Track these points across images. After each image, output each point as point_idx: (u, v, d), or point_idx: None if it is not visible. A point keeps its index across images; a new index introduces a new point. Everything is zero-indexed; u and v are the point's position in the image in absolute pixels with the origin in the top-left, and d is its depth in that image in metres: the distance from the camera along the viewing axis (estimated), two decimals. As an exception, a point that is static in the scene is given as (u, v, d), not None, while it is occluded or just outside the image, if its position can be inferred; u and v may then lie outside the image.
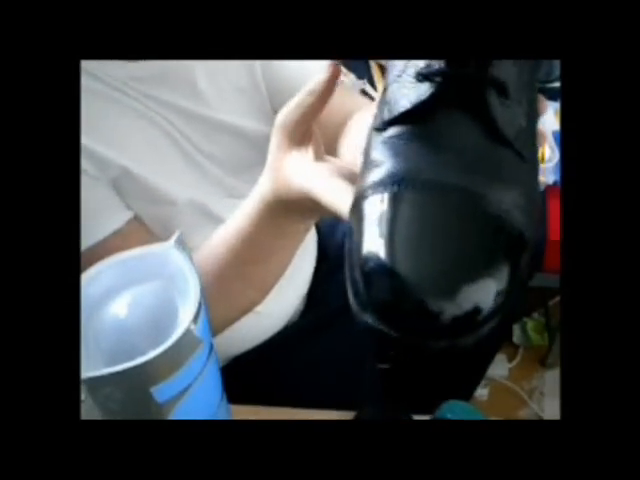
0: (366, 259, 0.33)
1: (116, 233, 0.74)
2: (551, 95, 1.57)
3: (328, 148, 0.57)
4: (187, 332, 0.45)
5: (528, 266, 0.35)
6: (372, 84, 1.52)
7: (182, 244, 0.52)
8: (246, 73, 0.79)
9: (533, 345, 1.71)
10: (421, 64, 0.35)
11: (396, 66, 0.38)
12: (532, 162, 0.37)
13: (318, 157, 0.51)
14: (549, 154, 1.37)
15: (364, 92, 1.48)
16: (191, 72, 0.76)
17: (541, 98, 0.40)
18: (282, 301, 0.89)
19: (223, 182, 0.83)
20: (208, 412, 0.51)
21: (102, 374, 0.43)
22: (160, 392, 0.45)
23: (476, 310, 0.31)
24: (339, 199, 0.42)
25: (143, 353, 0.43)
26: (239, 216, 0.61)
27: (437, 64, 0.35)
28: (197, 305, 0.47)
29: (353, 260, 0.34)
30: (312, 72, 0.78)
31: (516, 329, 1.74)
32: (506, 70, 0.35)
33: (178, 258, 0.51)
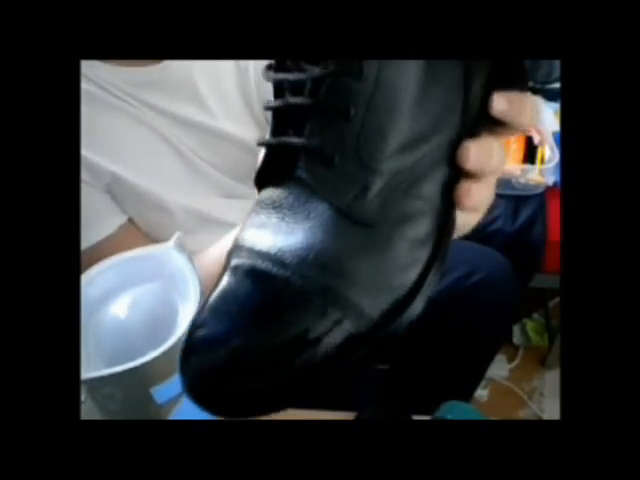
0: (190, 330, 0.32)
1: (108, 238, 0.74)
2: (551, 95, 1.58)
3: None
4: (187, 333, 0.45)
5: None
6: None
7: (182, 245, 0.52)
8: (241, 82, 0.79)
9: (533, 346, 1.71)
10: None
11: None
12: (380, 226, 0.33)
13: None
14: (549, 155, 1.37)
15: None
16: (191, 78, 0.76)
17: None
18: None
19: (221, 183, 0.83)
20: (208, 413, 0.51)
21: (102, 375, 0.43)
22: (160, 393, 0.45)
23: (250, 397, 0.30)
24: None
25: (143, 354, 0.43)
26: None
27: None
28: (197, 306, 0.47)
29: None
30: None
31: (516, 330, 1.74)
32: (327, 131, 0.33)
33: (178, 259, 0.51)
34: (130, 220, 0.79)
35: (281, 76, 0.35)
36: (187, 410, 0.47)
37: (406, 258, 0.33)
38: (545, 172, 1.33)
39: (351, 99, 0.32)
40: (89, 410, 0.43)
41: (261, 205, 0.35)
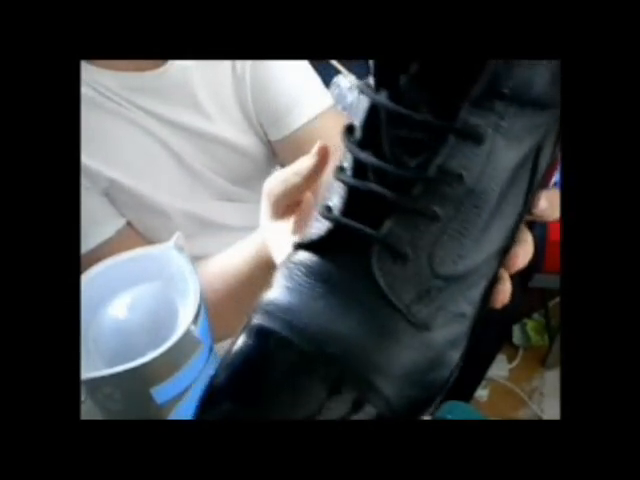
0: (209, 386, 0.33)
1: (107, 242, 0.75)
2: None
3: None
4: (187, 333, 0.45)
5: None
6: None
7: (181, 245, 0.52)
8: (237, 89, 0.79)
9: (533, 346, 1.71)
10: (327, 202, 0.33)
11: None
12: (433, 330, 0.33)
13: (298, 231, 0.49)
14: (549, 155, 1.37)
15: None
16: (189, 85, 0.76)
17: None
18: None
19: (219, 187, 0.83)
20: (208, 413, 0.51)
21: (102, 375, 0.43)
22: (160, 393, 0.45)
23: None
24: None
25: (143, 354, 0.43)
26: (237, 255, 0.61)
27: (333, 209, 0.33)
28: (197, 306, 0.47)
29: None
30: (297, 95, 0.80)
31: (516, 330, 1.74)
32: (406, 229, 0.31)
33: (178, 259, 0.51)
34: (128, 224, 0.79)
35: (366, 157, 0.33)
36: (187, 411, 0.47)
37: (442, 358, 0.33)
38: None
39: (445, 203, 0.31)
40: (89, 410, 0.43)
41: (300, 269, 0.34)
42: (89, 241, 0.74)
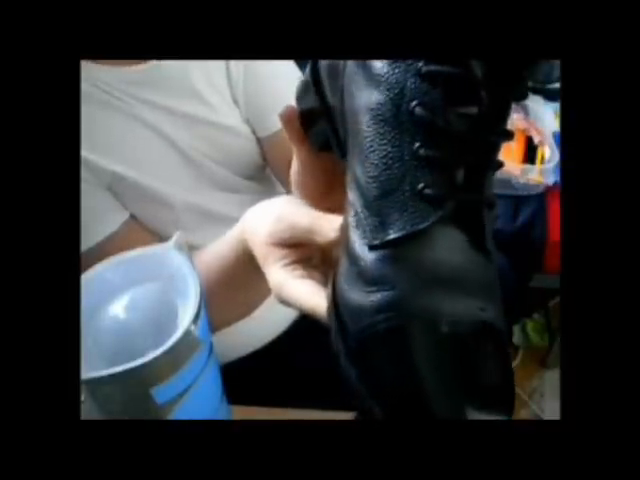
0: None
1: (112, 235, 0.74)
2: (551, 95, 1.58)
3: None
4: (187, 333, 0.45)
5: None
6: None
7: (182, 245, 0.52)
8: (230, 81, 0.80)
9: (533, 346, 1.71)
10: (421, 184, 0.35)
11: (388, 155, 0.36)
12: (495, 261, 0.38)
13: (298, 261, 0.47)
14: (549, 154, 1.37)
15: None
16: (186, 74, 0.76)
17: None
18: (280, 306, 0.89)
19: (221, 178, 0.83)
20: (208, 413, 0.51)
21: (102, 375, 0.43)
22: (160, 393, 0.45)
23: None
24: (312, 302, 0.42)
25: (143, 354, 0.43)
26: (222, 244, 0.60)
27: (438, 187, 0.35)
28: (197, 306, 0.47)
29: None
30: (284, 95, 0.80)
31: (516, 330, 1.74)
32: (491, 184, 0.37)
33: (178, 259, 0.51)
34: (132, 216, 0.79)
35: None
36: (187, 411, 0.47)
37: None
38: (545, 172, 1.33)
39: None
40: (89, 410, 0.43)
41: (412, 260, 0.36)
42: (94, 236, 0.74)
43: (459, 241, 0.36)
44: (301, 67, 0.85)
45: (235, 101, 0.81)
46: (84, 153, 0.71)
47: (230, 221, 0.84)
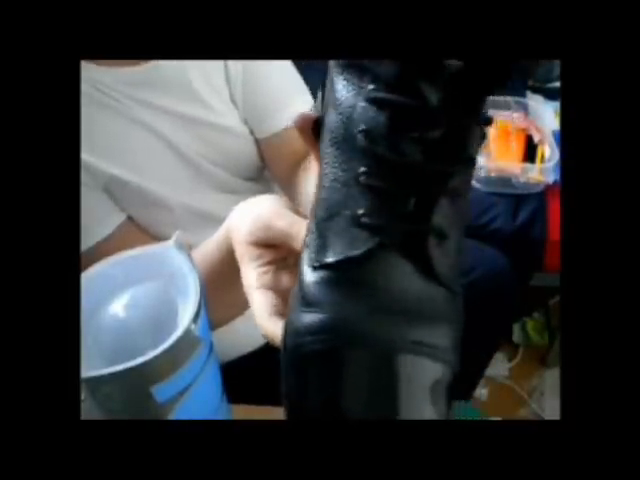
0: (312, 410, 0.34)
1: (108, 238, 0.75)
2: (551, 94, 1.58)
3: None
4: (187, 332, 0.45)
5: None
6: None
7: (181, 244, 0.52)
8: (229, 82, 0.80)
9: (533, 344, 1.71)
10: (360, 211, 0.34)
11: (336, 186, 0.36)
12: (460, 294, 0.37)
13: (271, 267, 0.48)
14: (549, 154, 1.37)
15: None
16: (184, 75, 0.76)
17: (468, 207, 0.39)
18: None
19: (219, 179, 0.83)
20: (208, 412, 0.51)
21: (102, 374, 0.43)
22: (160, 392, 0.45)
23: None
24: (269, 327, 0.42)
25: (143, 353, 0.43)
26: (210, 243, 0.60)
27: (376, 216, 0.34)
28: (197, 305, 0.47)
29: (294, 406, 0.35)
30: (283, 98, 0.81)
31: (516, 329, 1.74)
32: (444, 214, 0.35)
33: (178, 258, 0.51)
34: (129, 218, 0.79)
35: (397, 157, 0.35)
36: (187, 410, 0.47)
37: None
38: (545, 171, 1.33)
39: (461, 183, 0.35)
40: (89, 409, 0.43)
41: (347, 282, 0.35)
42: (90, 238, 0.74)
43: (404, 270, 0.35)
44: (300, 68, 0.86)
45: (233, 102, 0.81)
46: (82, 155, 0.71)
47: None
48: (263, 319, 0.43)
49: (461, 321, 0.36)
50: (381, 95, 0.33)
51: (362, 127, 0.34)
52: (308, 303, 0.35)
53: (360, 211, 0.34)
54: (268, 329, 0.42)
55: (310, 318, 0.35)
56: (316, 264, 0.36)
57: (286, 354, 0.36)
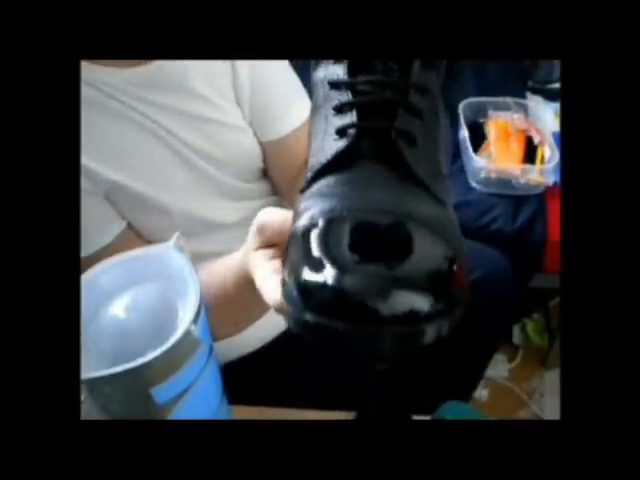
0: (305, 282, 0.34)
1: (105, 247, 0.74)
2: (551, 95, 1.58)
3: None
4: (187, 333, 0.45)
5: (465, 280, 0.35)
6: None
7: (181, 245, 0.52)
8: (235, 85, 0.80)
9: (533, 346, 1.71)
10: (339, 123, 0.39)
11: (317, 134, 0.41)
12: (449, 207, 0.39)
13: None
14: (549, 155, 1.37)
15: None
16: (187, 74, 0.76)
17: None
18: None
19: (221, 184, 0.83)
20: (208, 413, 0.51)
21: (102, 375, 0.43)
22: (160, 393, 0.45)
23: (413, 312, 0.32)
24: (271, 294, 0.43)
25: (143, 354, 0.43)
26: (224, 266, 0.60)
27: (349, 118, 0.38)
28: (197, 306, 0.47)
29: (291, 288, 0.35)
30: (287, 103, 0.81)
31: (516, 330, 1.74)
32: (411, 123, 0.38)
33: (177, 259, 0.51)
34: (129, 225, 0.79)
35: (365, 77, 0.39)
36: (187, 411, 0.47)
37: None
38: (545, 172, 1.33)
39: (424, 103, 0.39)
40: (89, 410, 0.43)
41: (330, 185, 0.38)
42: (90, 247, 0.74)
43: (385, 174, 0.38)
44: (298, 69, 0.85)
45: (238, 104, 0.81)
46: (83, 161, 0.70)
47: (228, 228, 0.84)
48: (277, 301, 0.43)
49: (456, 229, 0.38)
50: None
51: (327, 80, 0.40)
52: (302, 212, 0.38)
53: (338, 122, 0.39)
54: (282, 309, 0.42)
55: (304, 216, 0.37)
56: (305, 185, 0.39)
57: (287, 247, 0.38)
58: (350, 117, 0.39)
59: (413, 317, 0.32)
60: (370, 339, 0.32)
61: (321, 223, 0.35)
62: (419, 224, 0.35)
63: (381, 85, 0.39)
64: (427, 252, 0.34)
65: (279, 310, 0.42)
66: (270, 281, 0.43)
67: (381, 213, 0.35)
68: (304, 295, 0.33)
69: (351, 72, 0.40)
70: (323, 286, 0.32)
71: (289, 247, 0.38)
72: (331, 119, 0.40)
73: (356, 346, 0.32)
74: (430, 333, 0.32)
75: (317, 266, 0.33)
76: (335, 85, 0.40)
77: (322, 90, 0.41)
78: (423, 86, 0.39)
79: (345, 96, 0.39)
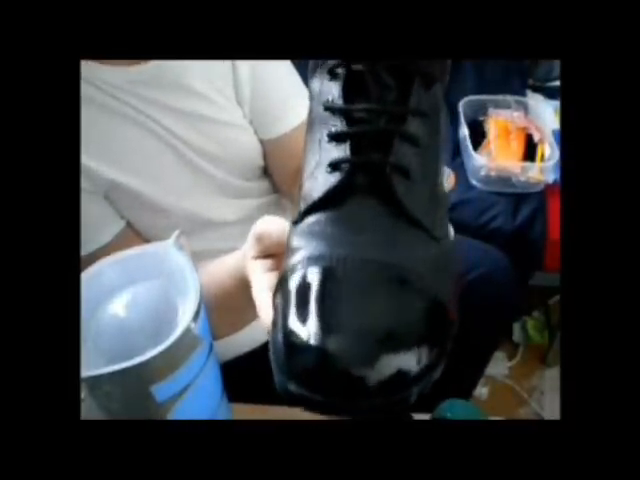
0: (290, 332, 0.34)
1: (104, 247, 0.74)
2: (551, 93, 1.58)
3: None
4: (187, 331, 0.45)
5: (452, 332, 0.35)
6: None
7: (181, 243, 0.52)
8: (236, 84, 0.80)
9: (533, 344, 1.71)
10: (333, 155, 0.38)
11: (310, 158, 0.40)
12: (444, 240, 0.38)
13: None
14: (549, 153, 1.37)
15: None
16: (186, 73, 0.76)
17: (450, 175, 0.41)
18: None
19: (220, 182, 0.83)
20: (208, 411, 0.51)
21: (102, 373, 0.43)
22: (160, 391, 0.45)
23: (400, 375, 0.32)
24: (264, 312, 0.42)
25: (143, 352, 0.43)
26: (223, 266, 0.60)
27: (343, 151, 0.38)
28: (197, 304, 0.47)
29: (277, 334, 0.35)
30: (287, 102, 0.81)
31: (516, 328, 1.74)
32: (407, 155, 0.37)
33: (177, 257, 0.51)
34: (128, 224, 0.79)
35: (360, 106, 0.39)
36: (187, 409, 0.47)
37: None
38: (545, 170, 1.33)
39: (422, 131, 0.38)
40: (89, 408, 0.43)
41: (320, 225, 0.38)
42: (89, 245, 0.74)
43: (377, 210, 0.37)
44: (299, 69, 0.85)
45: (239, 102, 0.81)
46: (82, 160, 0.70)
47: (228, 226, 0.84)
48: (268, 322, 0.43)
49: (448, 265, 0.37)
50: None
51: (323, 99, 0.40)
52: (292, 252, 0.38)
53: (333, 155, 0.38)
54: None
55: (294, 258, 0.37)
56: (297, 218, 0.39)
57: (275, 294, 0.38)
58: (344, 150, 0.38)
59: (400, 382, 0.32)
60: (353, 412, 0.32)
61: (310, 275, 0.35)
62: (408, 273, 0.35)
63: (377, 113, 0.38)
64: (415, 306, 0.34)
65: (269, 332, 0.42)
66: (265, 294, 0.44)
67: (369, 264, 0.35)
68: (288, 354, 0.34)
69: (346, 93, 0.39)
70: (307, 347, 0.32)
71: (279, 289, 0.38)
72: (325, 146, 0.39)
73: (339, 415, 0.32)
74: (415, 394, 0.32)
75: (303, 316, 0.34)
76: (330, 108, 0.39)
77: (317, 108, 0.41)
78: (422, 111, 0.38)
79: (339, 124, 0.39)
